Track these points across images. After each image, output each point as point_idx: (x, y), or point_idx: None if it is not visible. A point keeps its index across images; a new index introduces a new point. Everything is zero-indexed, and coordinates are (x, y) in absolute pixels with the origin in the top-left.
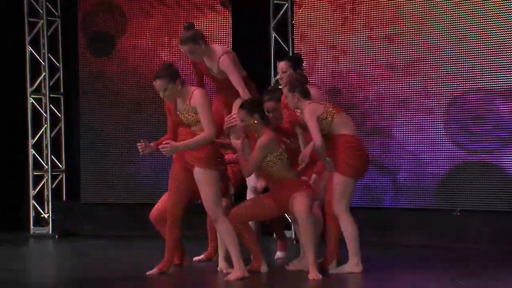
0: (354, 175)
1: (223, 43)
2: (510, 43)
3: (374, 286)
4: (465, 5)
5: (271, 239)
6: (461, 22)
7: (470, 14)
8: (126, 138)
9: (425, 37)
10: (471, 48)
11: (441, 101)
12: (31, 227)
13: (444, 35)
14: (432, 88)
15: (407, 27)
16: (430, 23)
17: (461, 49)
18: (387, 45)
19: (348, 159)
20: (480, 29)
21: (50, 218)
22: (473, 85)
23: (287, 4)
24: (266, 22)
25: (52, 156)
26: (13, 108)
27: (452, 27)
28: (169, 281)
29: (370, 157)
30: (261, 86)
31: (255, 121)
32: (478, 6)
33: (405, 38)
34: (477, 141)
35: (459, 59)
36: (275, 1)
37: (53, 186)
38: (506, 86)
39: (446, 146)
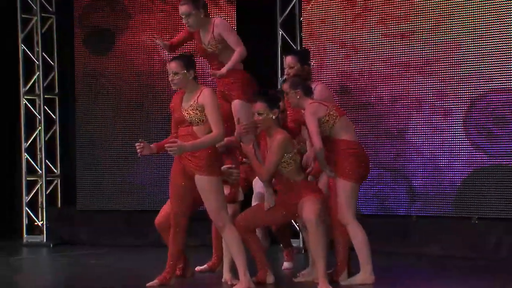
0: (359, 180)
1: None
2: None
3: None
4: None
5: (278, 248)
6: (482, 17)
7: (492, 9)
8: (125, 141)
9: (442, 33)
10: (493, 46)
11: (460, 102)
12: (24, 235)
13: (464, 31)
14: (450, 88)
15: (422, 23)
16: (448, 18)
17: (482, 47)
18: (401, 42)
19: (351, 165)
20: (503, 25)
21: (45, 226)
22: (495, 85)
23: (294, 0)
24: (273, 18)
25: (47, 161)
26: (5, 109)
27: (472, 23)
28: None
29: (384, 161)
30: (267, 86)
31: (273, 117)
32: (501, 1)
33: (421, 35)
34: (499, 144)
35: (480, 57)
36: None
37: (48, 192)
38: None
39: (465, 149)
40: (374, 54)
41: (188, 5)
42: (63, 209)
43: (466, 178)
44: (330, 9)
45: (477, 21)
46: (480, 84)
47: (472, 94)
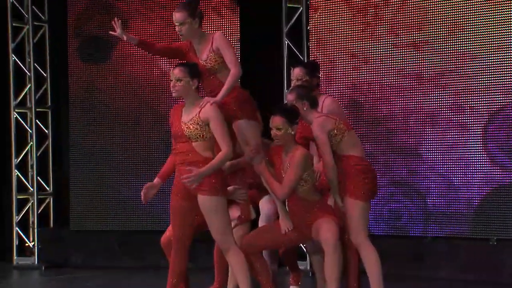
0: (369, 198)
1: None
2: None
3: None
4: (506, 8)
5: (284, 270)
6: (500, 27)
7: (511, 19)
8: (121, 157)
9: (458, 43)
10: None
11: (478, 115)
12: (15, 257)
13: (481, 40)
14: (467, 101)
15: (436, 33)
16: (464, 27)
17: (500, 57)
18: (414, 53)
19: (360, 182)
20: None
21: (36, 247)
22: None
23: (301, 8)
24: (278, 27)
25: (38, 178)
26: None
27: (490, 32)
28: None
29: (397, 179)
30: (272, 99)
31: (293, 132)
32: None
33: (435, 45)
34: None
35: (498, 68)
36: (288, 4)
37: (39, 211)
38: None
39: (483, 166)
40: (386, 65)
41: (183, 13)
42: (56, 229)
43: (484, 196)
44: (339, 18)
45: (494, 30)
46: (499, 97)
47: (490, 107)
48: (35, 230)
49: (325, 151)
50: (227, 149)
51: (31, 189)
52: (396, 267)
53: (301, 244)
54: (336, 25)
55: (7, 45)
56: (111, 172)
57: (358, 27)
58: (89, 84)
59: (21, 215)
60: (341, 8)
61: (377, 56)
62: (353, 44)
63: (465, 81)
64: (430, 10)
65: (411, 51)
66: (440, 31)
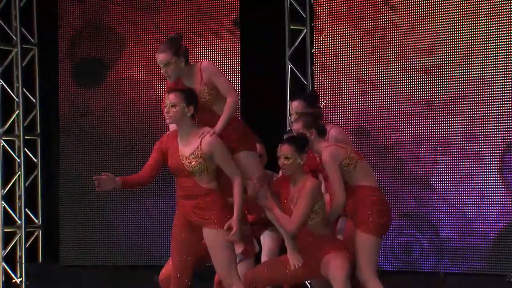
0: (381, 233)
1: (230, 75)
2: None
3: None
4: None
5: None
6: None
7: None
8: (115, 188)
9: (472, 67)
10: None
11: (494, 143)
12: None
13: (496, 65)
14: (482, 128)
15: (449, 56)
16: (478, 51)
17: None
18: (425, 78)
19: (374, 216)
20: None
21: (24, 284)
22: None
23: (305, 30)
24: (281, 50)
25: (27, 210)
26: None
27: (506, 57)
28: None
29: (407, 211)
30: (275, 127)
31: (302, 162)
32: None
33: (447, 70)
34: None
35: None
36: (291, 26)
37: (27, 245)
38: None
39: (500, 197)
40: (395, 91)
41: (167, 53)
42: (45, 265)
43: (501, 230)
44: (346, 40)
45: (511, 55)
46: None
47: (507, 135)
48: (23, 266)
49: (336, 184)
50: (240, 180)
51: (19, 222)
52: None
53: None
54: (342, 48)
55: None
56: (104, 204)
57: (366, 50)
58: (81, 110)
59: (8, 249)
60: (347, 30)
61: (385, 81)
62: (360, 68)
63: (479, 108)
64: (442, 32)
65: (422, 75)
66: (453, 54)
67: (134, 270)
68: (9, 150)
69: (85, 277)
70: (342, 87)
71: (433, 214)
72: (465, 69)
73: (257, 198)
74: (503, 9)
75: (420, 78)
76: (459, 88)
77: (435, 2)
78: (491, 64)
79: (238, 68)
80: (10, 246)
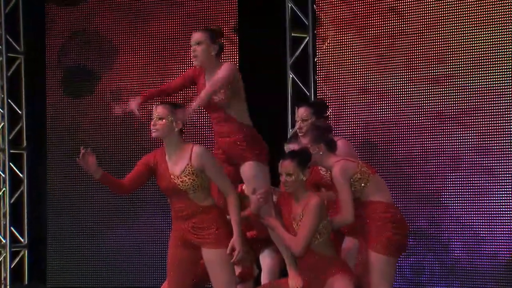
0: (396, 253)
1: None
2: None
3: None
4: None
5: None
6: None
7: None
8: (105, 206)
9: (483, 78)
10: None
11: (507, 158)
12: None
13: (509, 76)
14: (494, 142)
15: (459, 66)
16: (490, 60)
17: None
18: (434, 89)
19: (388, 234)
20: None
21: None
22: None
23: (308, 38)
24: (282, 59)
25: (12, 228)
26: None
27: None
28: None
29: (416, 229)
30: (275, 140)
31: (304, 178)
32: None
33: (458, 80)
34: None
35: None
36: (292, 34)
37: (12, 266)
38: None
39: None
40: (402, 102)
41: (203, 33)
42: (31, 287)
43: None
44: (350, 49)
45: None
46: None
47: None
48: (8, 287)
49: (346, 202)
50: (235, 195)
51: (3, 241)
52: None
53: None
54: (346, 57)
55: None
56: (93, 222)
57: (371, 59)
58: (70, 122)
59: None
60: (352, 38)
61: (392, 92)
62: (366, 79)
63: (492, 120)
64: (452, 40)
65: (431, 86)
66: (463, 63)
67: None
68: None
69: None
70: (347, 98)
71: (443, 233)
72: (477, 79)
73: (259, 215)
74: None
75: (429, 89)
76: (470, 99)
77: (444, 8)
78: (504, 74)
79: None
80: None
